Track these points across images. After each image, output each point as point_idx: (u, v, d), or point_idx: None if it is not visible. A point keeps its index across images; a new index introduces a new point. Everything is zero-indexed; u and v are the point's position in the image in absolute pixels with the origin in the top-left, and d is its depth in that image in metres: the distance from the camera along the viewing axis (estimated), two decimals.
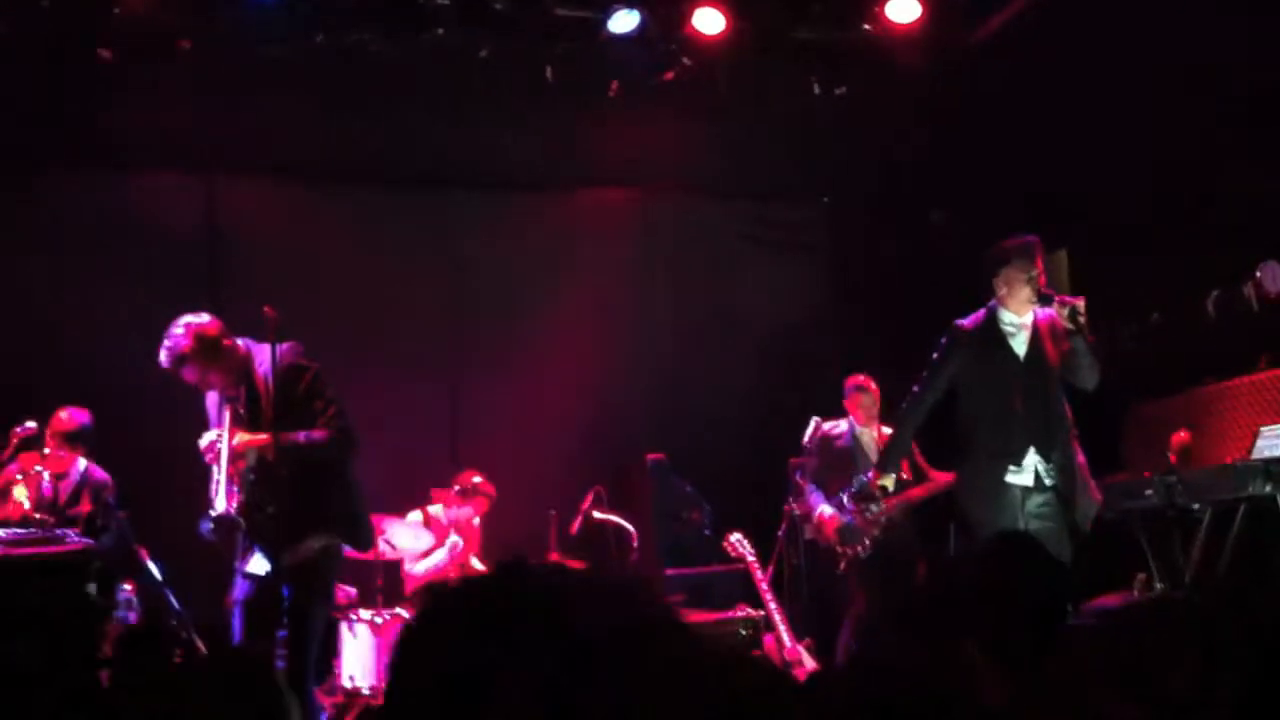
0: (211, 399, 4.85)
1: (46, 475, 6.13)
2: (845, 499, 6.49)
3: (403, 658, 1.35)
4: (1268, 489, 5.51)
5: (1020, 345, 5.38)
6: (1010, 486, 5.28)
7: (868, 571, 6.64)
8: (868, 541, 6.63)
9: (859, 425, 6.99)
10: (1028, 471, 5.27)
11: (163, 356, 4.65)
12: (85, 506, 6.19)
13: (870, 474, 6.06)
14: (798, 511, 7.01)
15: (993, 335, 5.40)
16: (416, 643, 1.34)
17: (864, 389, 6.98)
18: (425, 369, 8.56)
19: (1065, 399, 5.36)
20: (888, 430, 6.77)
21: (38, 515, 5.63)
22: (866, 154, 8.83)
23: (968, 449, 5.46)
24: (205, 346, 4.63)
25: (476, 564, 7.47)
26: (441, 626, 1.34)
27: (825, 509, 6.81)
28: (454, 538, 7.26)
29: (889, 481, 5.88)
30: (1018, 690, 2.40)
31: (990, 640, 2.46)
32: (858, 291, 9.08)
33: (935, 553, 6.51)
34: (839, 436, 7.00)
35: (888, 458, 5.99)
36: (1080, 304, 5.17)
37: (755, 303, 9.07)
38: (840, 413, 7.09)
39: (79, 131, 7.49)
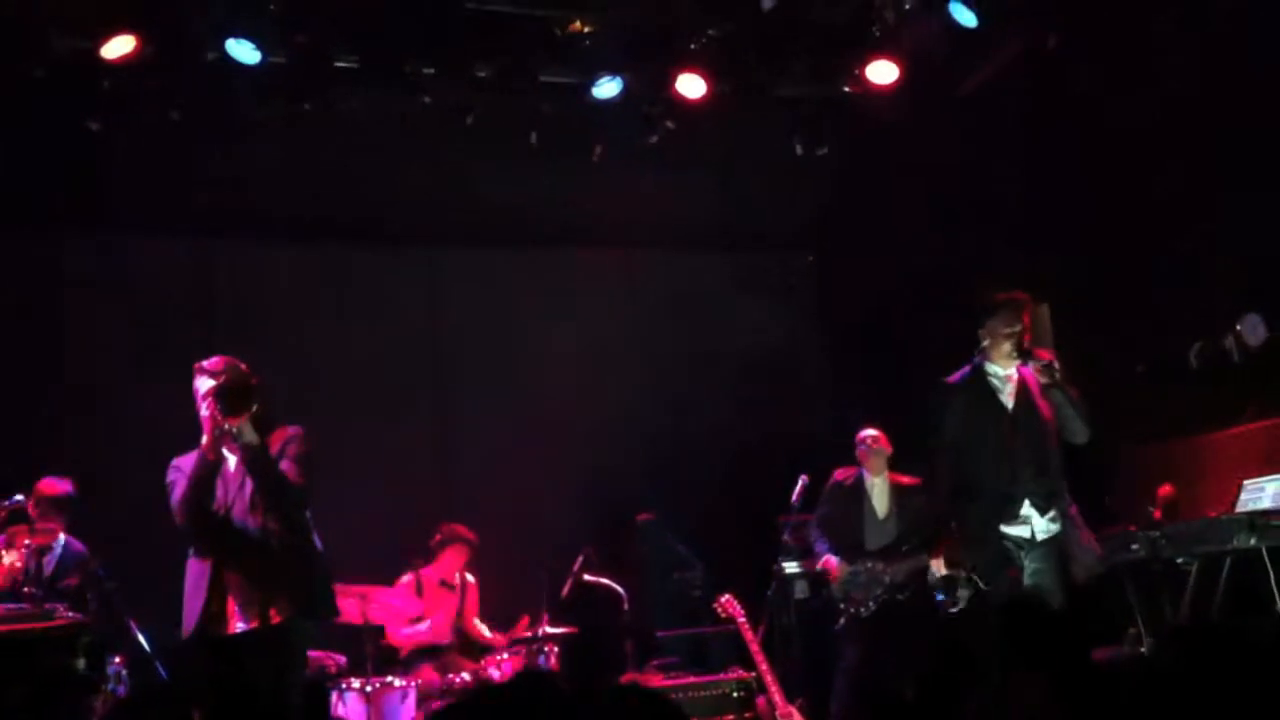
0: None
1: (23, 551, 6.10)
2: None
3: None
4: (1252, 542, 5.53)
5: (1008, 398, 5.44)
6: (1008, 539, 5.31)
7: (868, 631, 6.64)
8: (871, 604, 6.66)
9: (870, 475, 7.07)
10: (1024, 525, 5.31)
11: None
12: (73, 579, 6.15)
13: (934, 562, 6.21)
14: (788, 569, 7.02)
15: (982, 388, 5.46)
16: None
17: (875, 442, 7.06)
18: (415, 428, 8.57)
19: (1060, 452, 5.40)
20: (899, 478, 6.98)
21: (26, 590, 5.59)
22: (850, 207, 8.93)
23: (965, 502, 5.47)
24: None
25: (482, 628, 7.41)
26: None
27: (832, 558, 6.87)
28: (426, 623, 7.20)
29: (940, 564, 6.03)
30: None
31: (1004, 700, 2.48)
32: (845, 345, 9.13)
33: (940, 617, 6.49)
34: (851, 483, 7.07)
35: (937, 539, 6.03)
36: (1052, 359, 5.30)
37: (742, 358, 9.09)
38: (846, 462, 7.15)
39: (67, 196, 7.54)
